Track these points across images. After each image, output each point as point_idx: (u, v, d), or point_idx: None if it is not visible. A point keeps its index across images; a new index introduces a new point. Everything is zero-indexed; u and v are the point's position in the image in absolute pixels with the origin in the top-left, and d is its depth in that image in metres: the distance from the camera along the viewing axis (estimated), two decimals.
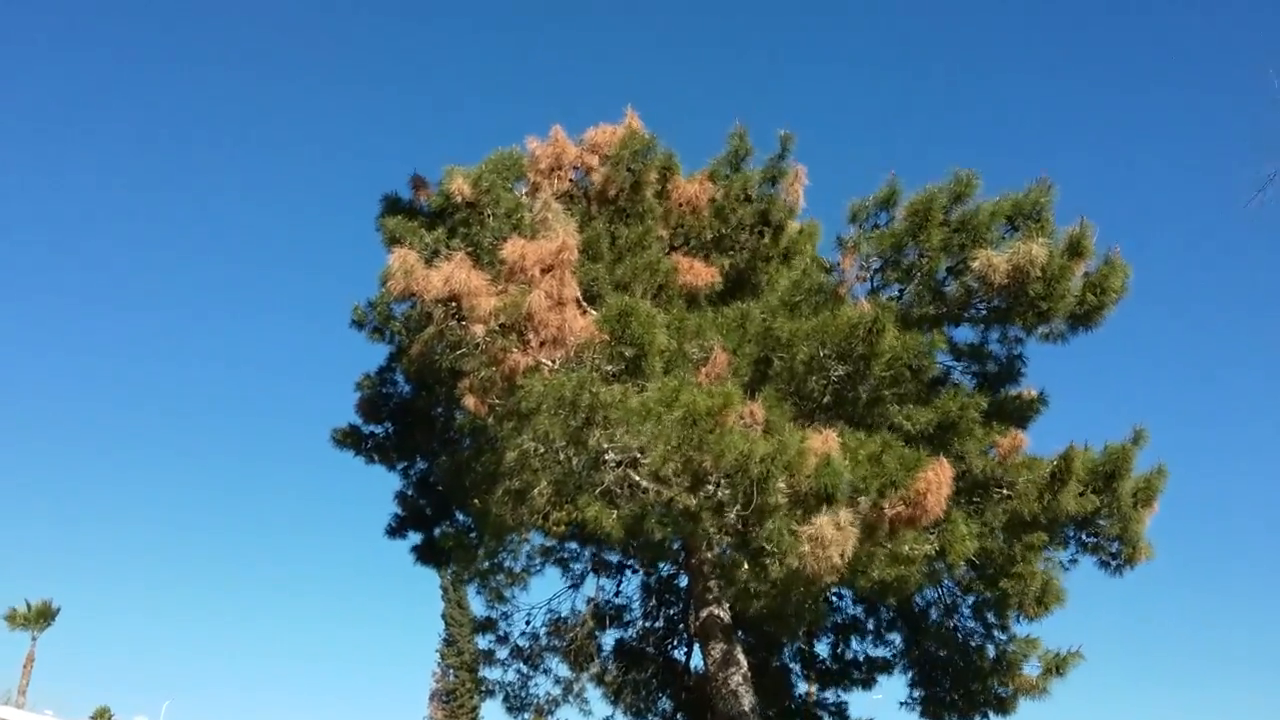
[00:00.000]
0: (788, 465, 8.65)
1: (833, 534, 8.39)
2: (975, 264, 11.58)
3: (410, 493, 16.02)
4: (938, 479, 9.15)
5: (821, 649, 16.52)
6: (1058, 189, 12.07)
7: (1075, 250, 11.45)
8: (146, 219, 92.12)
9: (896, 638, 15.54)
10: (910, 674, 14.88)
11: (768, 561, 9.08)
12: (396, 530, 15.91)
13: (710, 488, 9.23)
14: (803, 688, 16.77)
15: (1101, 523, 12.15)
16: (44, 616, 42.51)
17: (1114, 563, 12.51)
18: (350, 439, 15.74)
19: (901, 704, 14.71)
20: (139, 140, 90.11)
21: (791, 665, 16.83)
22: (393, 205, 13.61)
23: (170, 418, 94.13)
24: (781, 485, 8.86)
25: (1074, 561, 12.78)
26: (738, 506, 9.03)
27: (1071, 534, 12.61)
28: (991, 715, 13.71)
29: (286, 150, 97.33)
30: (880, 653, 15.83)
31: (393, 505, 15.96)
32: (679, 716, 16.32)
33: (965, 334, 13.14)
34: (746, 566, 9.37)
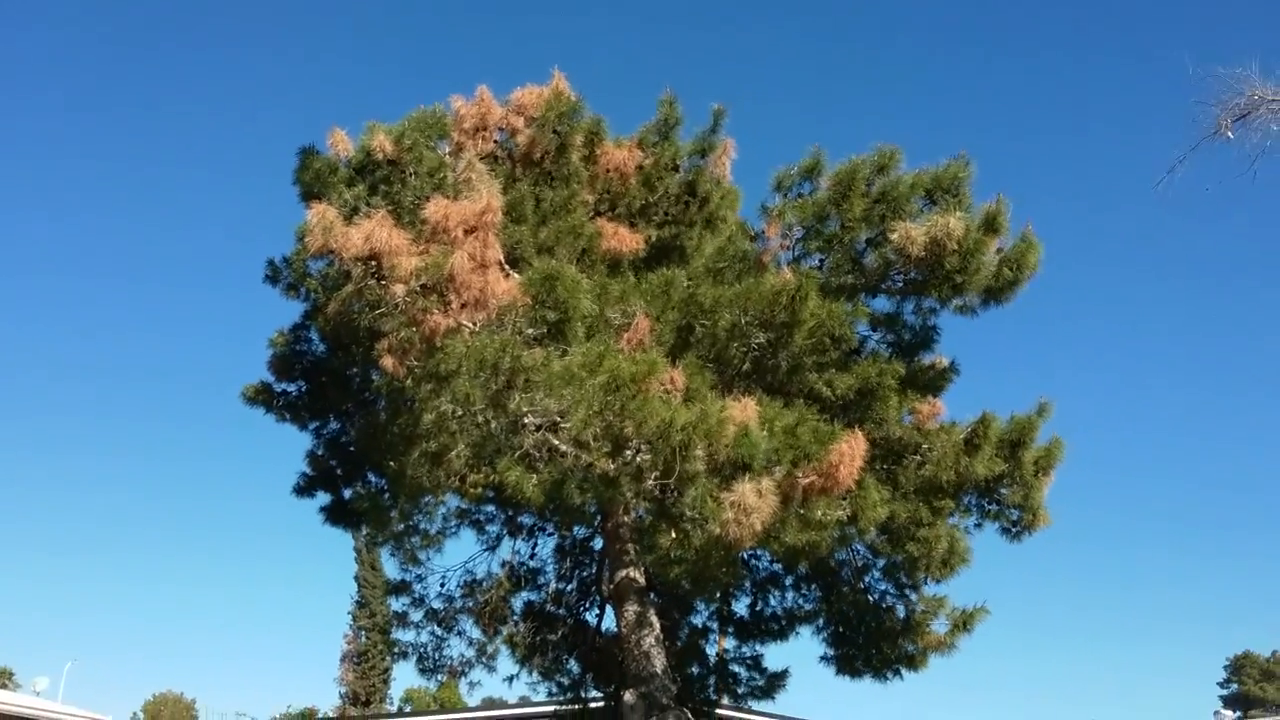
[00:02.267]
0: (708, 434, 8.76)
1: (754, 501, 8.55)
2: (894, 236, 11.81)
3: (321, 452, 15.72)
4: (850, 451, 9.36)
5: (739, 606, 16.80)
6: (975, 166, 12.38)
7: (991, 225, 11.76)
8: (53, 167, 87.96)
9: (814, 592, 15.86)
10: (826, 631, 15.27)
11: (689, 528, 9.21)
12: (305, 490, 15.60)
13: (630, 454, 9.29)
14: (717, 645, 17.05)
15: (1004, 491, 12.61)
16: None
17: (1014, 529, 13.00)
18: (261, 396, 15.34)
19: (820, 659, 15.15)
20: (52, 83, 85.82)
21: (709, 625, 17.10)
22: (310, 159, 13.16)
23: (73, 371, 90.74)
24: (700, 453, 8.96)
25: (978, 527, 13.24)
26: (657, 473, 9.11)
27: (975, 502, 13.05)
28: (903, 671, 14.19)
29: (200, 99, 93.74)
30: (799, 605, 16.14)
31: (303, 465, 15.70)
32: (587, 678, 16.49)
33: (882, 304, 13.43)
34: (669, 533, 9.47)
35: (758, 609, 16.41)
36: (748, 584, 16.15)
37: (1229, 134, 8.13)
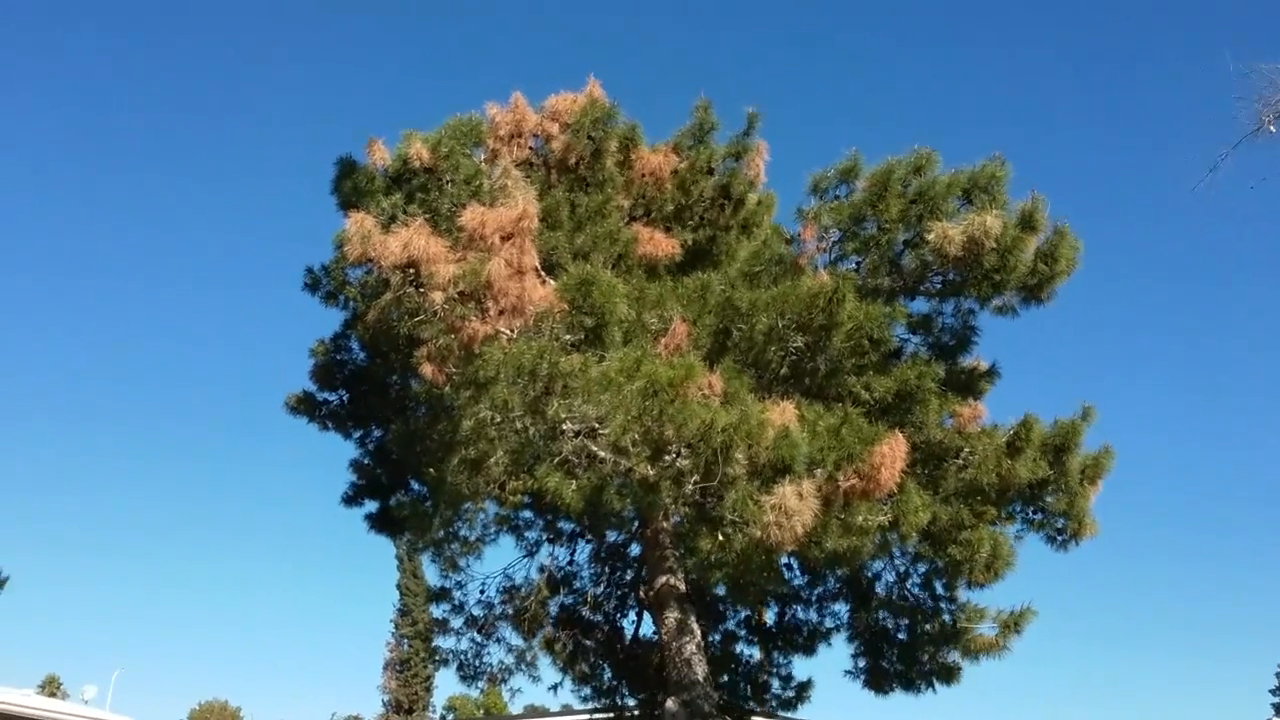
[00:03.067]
0: (748, 435, 8.70)
1: (796, 504, 8.49)
2: (931, 236, 11.70)
3: (366, 461, 15.91)
4: (892, 453, 9.27)
5: (767, 616, 16.73)
6: (1012, 166, 12.25)
7: (1028, 223, 11.63)
8: (95, 181, 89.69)
9: (841, 607, 15.77)
10: (855, 644, 15.12)
11: (730, 531, 9.17)
12: (353, 499, 15.82)
13: (670, 458, 9.26)
14: (749, 654, 17.00)
15: (1048, 499, 12.40)
16: None
17: (1060, 538, 12.78)
18: (304, 406, 15.56)
19: (845, 672, 14.99)
20: (83, 99, 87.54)
21: (737, 631, 17.04)
22: (348, 169, 13.37)
23: (120, 384, 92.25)
24: (741, 456, 8.91)
25: (1019, 538, 13.04)
26: (697, 477, 9.08)
27: (1019, 510, 12.86)
28: (936, 684, 14.01)
29: (240, 112, 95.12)
30: (824, 621, 16.07)
31: (348, 473, 15.88)
32: (622, 683, 16.47)
33: (920, 306, 13.32)
34: (712, 537, 9.44)
35: (784, 620, 16.34)
36: (775, 594, 16.09)
37: (1271, 129, 7.95)
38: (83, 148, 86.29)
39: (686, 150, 13.46)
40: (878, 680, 14.53)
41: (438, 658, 17.07)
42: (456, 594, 16.49)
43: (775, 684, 16.58)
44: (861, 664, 14.86)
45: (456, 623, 16.55)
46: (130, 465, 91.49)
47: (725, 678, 16.24)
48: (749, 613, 16.61)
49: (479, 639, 16.48)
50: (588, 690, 16.56)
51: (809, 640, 15.99)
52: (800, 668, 16.73)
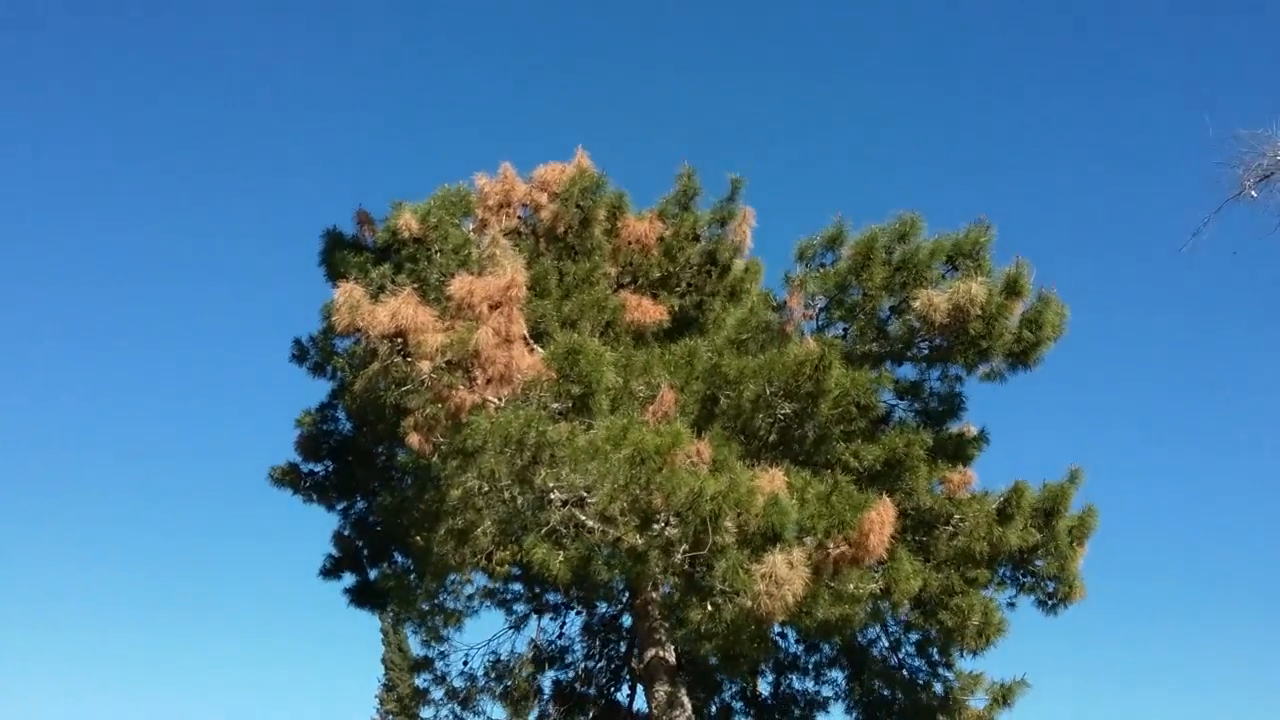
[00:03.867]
0: (737, 503, 8.66)
1: (786, 572, 8.41)
2: (917, 303, 11.79)
3: (348, 533, 15.69)
4: (881, 519, 9.23)
5: (763, 686, 16.44)
6: (995, 230, 12.38)
7: (1013, 289, 11.73)
8: (83, 240, 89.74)
9: (837, 675, 15.54)
10: (853, 714, 14.88)
11: (720, 601, 9.06)
12: (331, 571, 15.53)
13: (658, 527, 9.18)
14: None
15: (1038, 562, 12.39)
16: None
17: (1050, 601, 12.73)
18: (289, 477, 15.38)
19: None
20: (73, 160, 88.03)
21: (732, 704, 16.72)
22: (337, 240, 13.45)
23: (98, 452, 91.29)
24: (730, 524, 8.85)
25: (1011, 605, 12.96)
26: (686, 545, 9.00)
27: (1009, 574, 12.80)
28: None
29: (224, 181, 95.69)
30: (821, 690, 15.81)
31: (329, 546, 15.64)
32: None
33: (907, 372, 13.37)
34: (700, 606, 9.32)
35: (780, 690, 16.07)
36: (770, 664, 15.85)
37: (1253, 194, 8.08)
38: (66, 213, 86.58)
39: (672, 217, 13.57)
40: None
41: None
42: (439, 664, 16.15)
43: None
44: None
45: (438, 694, 16.19)
46: (111, 535, 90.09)
47: None
48: (744, 684, 16.33)
49: (459, 711, 16.12)
50: None
51: (806, 710, 15.71)
52: None
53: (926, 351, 12.68)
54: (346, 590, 15.51)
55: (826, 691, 15.62)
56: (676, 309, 13.17)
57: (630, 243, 13.10)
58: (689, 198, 13.71)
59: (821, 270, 13.04)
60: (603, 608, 16.63)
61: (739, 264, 13.85)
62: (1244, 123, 8.22)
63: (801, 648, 15.82)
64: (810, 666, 15.88)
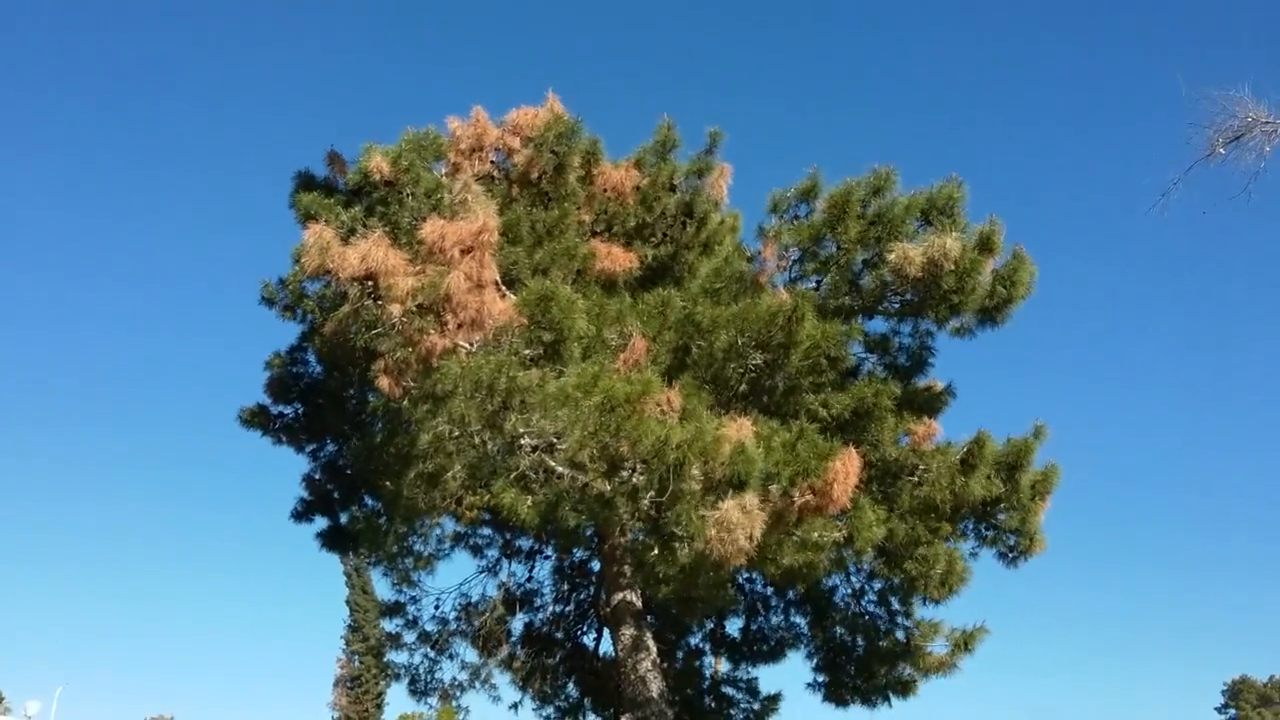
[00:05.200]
0: (703, 451, 8.73)
1: (738, 518, 8.50)
2: (891, 256, 11.82)
3: (318, 476, 15.68)
4: (845, 468, 9.33)
5: (733, 628, 16.71)
6: (968, 187, 12.42)
7: (986, 245, 11.78)
8: (55, 182, 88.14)
9: (806, 614, 15.79)
10: (815, 658, 15.17)
11: (676, 545, 9.17)
12: (303, 514, 15.56)
13: (625, 474, 9.26)
14: (712, 667, 16.94)
15: (1001, 516, 12.57)
16: None
17: (1011, 554, 12.94)
18: (258, 419, 15.33)
19: (807, 685, 15.03)
20: (55, 99, 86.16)
21: (703, 646, 16.99)
22: (308, 182, 13.25)
23: (69, 389, 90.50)
24: (696, 472, 8.93)
25: (974, 555, 13.19)
26: (652, 492, 9.08)
27: (971, 527, 13.01)
28: (893, 698, 14.09)
29: (197, 120, 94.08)
30: (788, 628, 16.07)
31: (299, 489, 15.65)
32: (586, 702, 16.37)
33: (878, 326, 13.44)
34: (656, 551, 9.43)
35: (749, 630, 16.33)
36: (741, 605, 16.08)
37: (1222, 154, 8.13)
38: (53, 134, 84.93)
39: (649, 167, 13.48)
40: (837, 693, 14.60)
41: (389, 672, 16.86)
42: (410, 609, 16.31)
43: (742, 698, 16.52)
44: (821, 678, 14.91)
45: (410, 637, 16.36)
46: (77, 477, 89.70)
47: (690, 693, 16.16)
48: (714, 626, 16.58)
49: (432, 655, 16.30)
50: (550, 710, 16.41)
51: (776, 649, 15.98)
52: (768, 679, 16.67)
53: (898, 306, 12.74)
54: (318, 535, 15.55)
55: (798, 627, 15.88)
56: (651, 259, 13.15)
57: (606, 190, 13.02)
58: (667, 149, 13.62)
59: (796, 222, 13.04)
60: (574, 553, 16.79)
61: (715, 216, 13.82)
62: (1215, 83, 8.25)
63: (770, 590, 16.05)
64: (779, 606, 16.14)
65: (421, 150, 12.12)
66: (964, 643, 13.46)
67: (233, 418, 15.33)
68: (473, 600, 16.22)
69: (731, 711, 16.38)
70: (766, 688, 16.54)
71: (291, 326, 15.15)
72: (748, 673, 16.50)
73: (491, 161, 12.68)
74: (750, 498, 8.76)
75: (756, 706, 16.36)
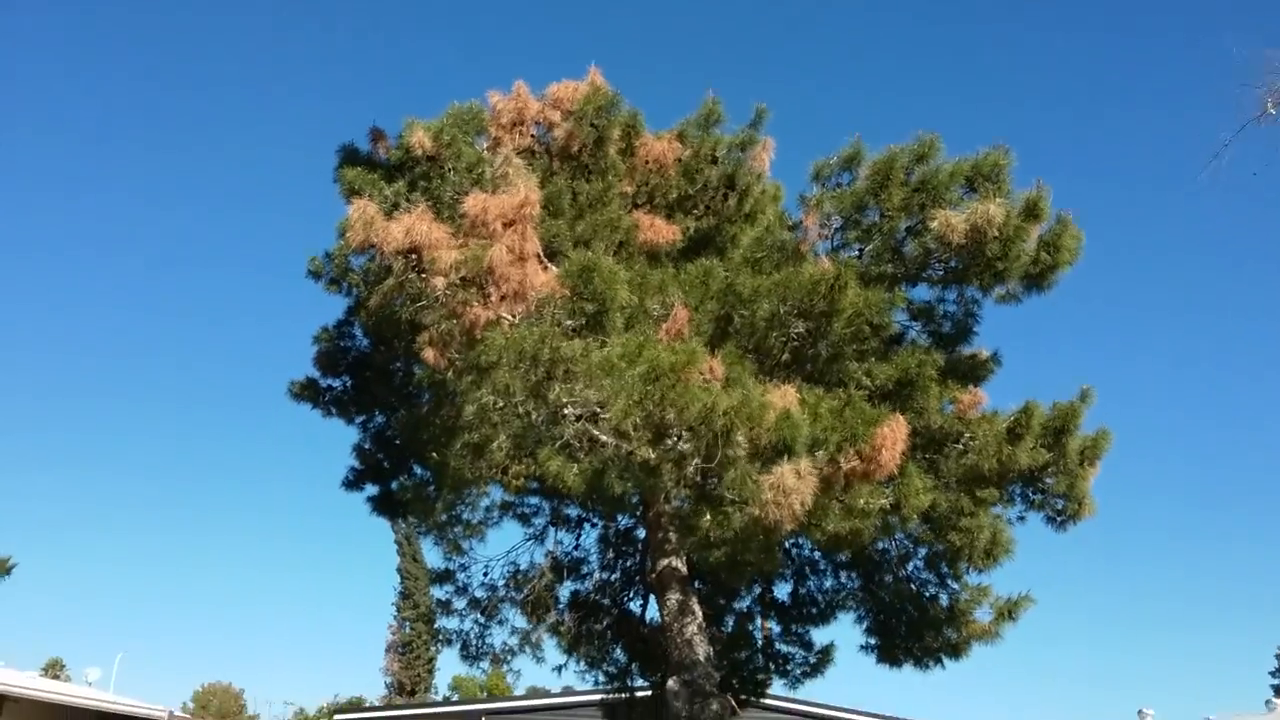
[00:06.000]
0: (750, 418, 8.77)
1: (794, 482, 8.56)
2: (934, 224, 11.71)
3: (368, 446, 16.03)
4: (893, 434, 9.35)
5: (781, 592, 16.83)
6: (1015, 154, 12.25)
7: (1031, 212, 11.62)
8: (96, 167, 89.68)
9: (855, 579, 15.86)
10: (865, 621, 15.26)
11: (729, 510, 9.25)
12: (354, 483, 15.94)
13: (671, 441, 9.34)
14: (763, 628, 17.08)
15: (1049, 480, 12.51)
16: (1, 571, 41.85)
17: (1060, 518, 12.91)
18: (308, 392, 15.67)
19: (860, 648, 15.16)
20: (87, 86, 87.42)
21: (752, 609, 17.13)
22: (351, 157, 13.45)
23: (123, 368, 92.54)
24: (742, 438, 8.98)
25: (1022, 519, 13.17)
26: (698, 459, 9.16)
27: (1019, 491, 12.97)
28: (945, 660, 14.16)
29: (242, 99, 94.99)
30: (837, 590, 16.15)
31: (350, 459, 15.99)
32: (633, 666, 16.61)
33: (921, 294, 13.37)
34: (709, 516, 9.52)
35: (798, 593, 16.43)
36: (789, 570, 16.18)
37: (1274, 113, 7.96)
38: (90, 133, 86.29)
39: (691, 139, 13.48)
40: (890, 654, 14.73)
41: (440, 638, 17.23)
42: (460, 576, 16.63)
43: (796, 652, 16.66)
44: (873, 641, 15.04)
45: (460, 604, 16.69)
46: (135, 449, 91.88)
47: (740, 655, 16.33)
48: (761, 590, 16.70)
49: (482, 620, 16.62)
50: (598, 674, 16.69)
51: (825, 612, 16.09)
52: (819, 637, 16.79)
53: (941, 273, 12.64)
54: (369, 499, 15.92)
55: (848, 587, 15.95)
56: (692, 230, 13.17)
57: (647, 162, 13.04)
58: (711, 122, 13.61)
59: (838, 190, 12.95)
60: (619, 520, 16.98)
61: (757, 188, 13.80)
62: (1269, 42, 8.08)
63: (819, 554, 16.13)
64: (828, 570, 16.22)
65: (463, 125, 12.23)
66: (1008, 611, 13.44)
67: (283, 393, 15.70)
68: (521, 567, 16.51)
69: (788, 667, 16.54)
70: (818, 643, 16.67)
71: (338, 300, 15.46)
72: (798, 631, 16.62)
73: (532, 135, 12.75)
74: (804, 462, 8.82)
75: (813, 659, 16.52)
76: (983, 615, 13.60)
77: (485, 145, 12.55)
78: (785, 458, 8.76)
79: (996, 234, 11.40)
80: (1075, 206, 12.13)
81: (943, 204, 11.93)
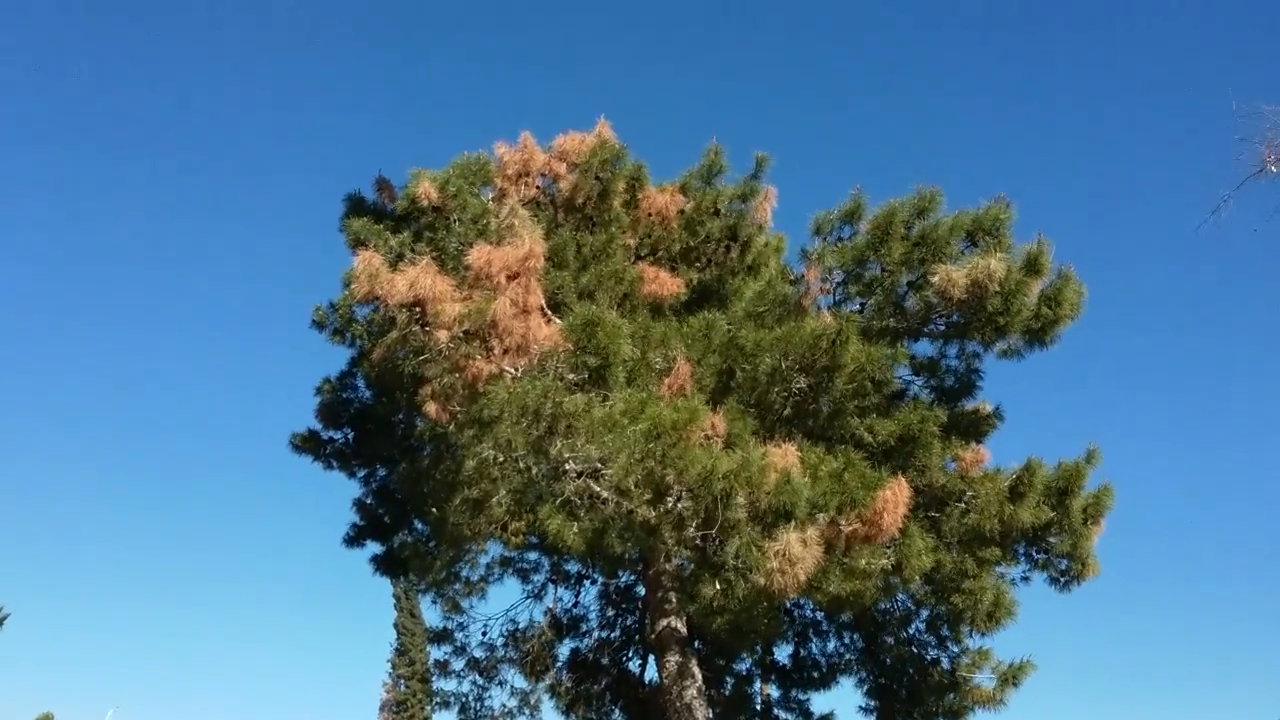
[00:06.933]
0: (749, 481, 8.67)
1: (799, 551, 8.44)
2: (935, 279, 11.69)
3: (369, 501, 15.83)
4: (895, 498, 9.24)
5: (781, 654, 16.54)
6: (1016, 207, 12.27)
7: (1032, 267, 11.61)
8: (106, 217, 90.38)
9: (856, 641, 15.60)
10: (866, 684, 14.97)
11: (732, 578, 9.10)
12: (355, 539, 15.69)
13: (671, 501, 9.23)
14: (762, 692, 16.76)
15: (1052, 539, 12.34)
16: None
17: (1063, 579, 12.70)
18: (309, 444, 15.52)
19: (860, 709, 14.85)
20: (101, 134, 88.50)
21: (752, 672, 16.82)
22: (357, 207, 13.49)
23: (122, 421, 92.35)
24: (742, 501, 8.88)
25: (1025, 579, 12.97)
26: (698, 521, 9.04)
27: (1022, 551, 12.78)
28: None
29: (250, 149, 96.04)
30: (839, 654, 15.87)
31: (351, 513, 15.80)
32: None
33: (924, 348, 13.31)
34: (715, 586, 9.37)
35: (800, 656, 16.15)
36: (789, 632, 15.92)
37: (1273, 170, 7.98)
38: (106, 171, 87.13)
39: (694, 191, 13.54)
40: (889, 718, 14.38)
41: (438, 700, 16.86)
42: (459, 635, 16.32)
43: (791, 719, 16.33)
44: (873, 703, 14.73)
45: (458, 665, 16.36)
46: (131, 505, 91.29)
47: (742, 718, 16.00)
48: (762, 653, 16.41)
49: (481, 681, 16.29)
50: None
51: (827, 675, 15.80)
52: (819, 703, 16.47)
53: (943, 328, 12.61)
54: (372, 559, 15.66)
55: (849, 654, 15.68)
56: (695, 282, 13.18)
57: (650, 215, 13.09)
58: (713, 173, 13.68)
59: (839, 244, 12.96)
60: (619, 577, 16.75)
61: (759, 240, 13.84)
62: (1266, 98, 8.12)
63: (821, 615, 15.88)
64: (830, 630, 15.96)
65: (469, 176, 12.29)
66: (1011, 677, 13.17)
67: (284, 446, 15.57)
68: (520, 625, 16.24)
69: None
70: (818, 710, 16.31)
71: (341, 351, 15.42)
72: (798, 698, 16.30)
73: (538, 186, 12.82)
74: (810, 530, 8.70)
75: None
76: (984, 680, 13.34)
77: (491, 196, 12.60)
78: (786, 522, 8.64)
79: (998, 288, 11.38)
80: (1075, 260, 12.10)
81: (944, 258, 11.92)
